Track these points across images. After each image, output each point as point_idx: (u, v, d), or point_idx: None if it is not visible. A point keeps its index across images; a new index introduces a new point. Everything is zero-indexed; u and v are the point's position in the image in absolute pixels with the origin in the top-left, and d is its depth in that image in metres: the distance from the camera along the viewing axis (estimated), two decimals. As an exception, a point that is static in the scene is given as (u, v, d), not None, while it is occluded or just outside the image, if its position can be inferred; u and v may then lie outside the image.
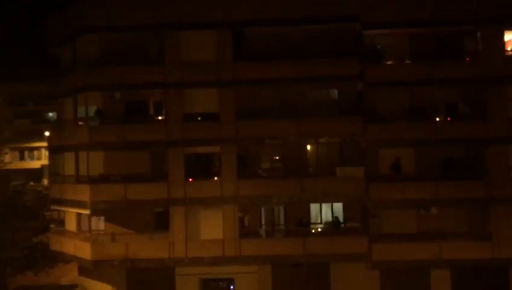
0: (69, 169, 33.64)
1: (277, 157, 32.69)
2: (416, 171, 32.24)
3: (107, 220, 33.63)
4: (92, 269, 32.90)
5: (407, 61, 31.70)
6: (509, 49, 31.44)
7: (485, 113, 31.47)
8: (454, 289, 31.95)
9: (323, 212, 32.67)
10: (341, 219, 32.16)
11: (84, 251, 32.83)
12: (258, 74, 31.44)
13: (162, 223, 32.97)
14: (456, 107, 31.73)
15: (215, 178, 32.37)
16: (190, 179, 32.22)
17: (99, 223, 33.82)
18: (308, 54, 31.59)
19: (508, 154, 31.40)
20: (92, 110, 32.78)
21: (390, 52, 32.14)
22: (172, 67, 31.70)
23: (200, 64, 31.48)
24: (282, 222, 33.20)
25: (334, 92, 32.09)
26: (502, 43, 31.39)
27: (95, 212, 32.72)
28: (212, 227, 32.24)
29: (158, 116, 32.76)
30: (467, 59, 31.61)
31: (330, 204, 32.53)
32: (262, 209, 33.09)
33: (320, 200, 32.20)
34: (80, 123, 33.17)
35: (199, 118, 32.16)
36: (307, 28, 31.47)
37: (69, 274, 35.48)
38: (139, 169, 32.88)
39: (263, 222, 33.25)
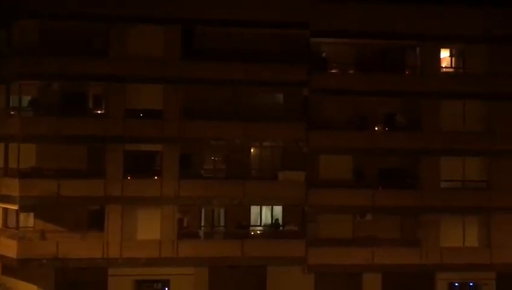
0: None
1: (221, 159, 24.56)
2: (354, 178, 27.63)
3: (37, 216, 26.49)
4: (18, 268, 25.49)
5: (351, 71, 25.01)
6: (444, 65, 25.89)
7: (420, 125, 26.65)
8: (384, 292, 26.31)
9: (264, 215, 27.58)
10: (280, 222, 25.04)
11: (9, 248, 25.43)
12: (206, 73, 25.43)
13: (96, 222, 26.21)
14: (394, 118, 27.44)
15: (156, 177, 25.99)
16: (129, 177, 25.62)
17: (28, 220, 26.53)
18: (258, 57, 26.34)
19: (439, 165, 27.35)
20: (26, 99, 23.67)
21: (336, 61, 27.66)
22: (117, 60, 24.83)
23: (146, 59, 24.93)
24: (222, 223, 27.13)
25: (281, 97, 25.17)
26: (438, 60, 27.23)
27: (24, 208, 25.57)
28: (150, 227, 25.88)
29: (97, 110, 24.50)
30: (407, 73, 25.46)
31: (270, 207, 27.19)
32: (203, 210, 26.72)
33: (261, 203, 27.11)
34: (12, 113, 23.93)
35: (141, 115, 23.60)
36: (258, 31, 26.07)
37: None
38: (75, 164, 26.19)
39: (203, 224, 26.87)
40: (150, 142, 25.83)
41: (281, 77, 25.93)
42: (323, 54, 26.78)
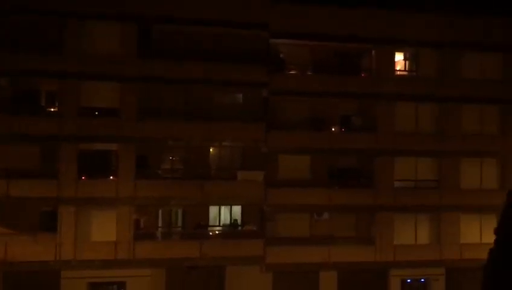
0: None
1: (179, 159, 21.50)
2: (311, 178, 25.25)
3: None
4: None
5: (309, 73, 22.54)
6: (398, 68, 23.61)
7: (375, 126, 25.04)
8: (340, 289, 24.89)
9: (222, 215, 25.21)
10: (239, 222, 22.73)
11: None
12: (164, 72, 22.55)
13: (48, 224, 23.13)
14: (350, 119, 25.80)
15: (111, 177, 23.05)
16: (83, 177, 22.75)
17: None
18: (218, 57, 23.93)
19: (392, 165, 25.50)
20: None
21: (294, 62, 25.49)
22: (71, 57, 21.67)
23: (102, 56, 21.73)
24: (180, 224, 23.64)
25: (240, 97, 22.52)
26: (392, 63, 25.57)
27: None
28: (105, 228, 23.09)
29: (51, 107, 21.07)
30: (363, 75, 23.01)
31: (229, 207, 24.57)
32: (160, 211, 22.98)
33: (220, 203, 24.95)
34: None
35: (97, 113, 20.27)
36: (218, 30, 22.24)
37: None
38: (26, 164, 22.84)
39: (160, 224, 23.38)
40: (105, 142, 23.01)
41: (240, 77, 23.54)
42: (281, 55, 24.35)
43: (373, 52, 25.29)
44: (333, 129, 25.31)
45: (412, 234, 25.50)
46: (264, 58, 23.90)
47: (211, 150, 24.70)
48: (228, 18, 23.42)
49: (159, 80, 23.10)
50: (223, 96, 24.52)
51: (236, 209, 24.80)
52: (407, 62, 26.11)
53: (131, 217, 23.08)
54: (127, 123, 22.88)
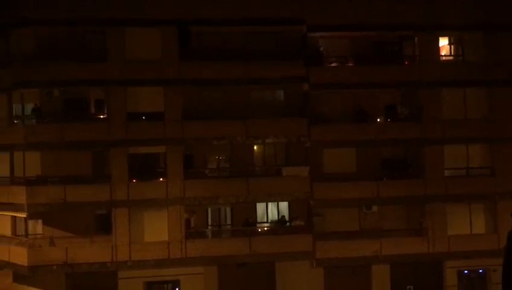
0: (3, 170, 22.33)
1: (224, 158, 21.24)
2: (358, 170, 24.19)
3: (45, 223, 23.71)
4: (29, 275, 22.77)
5: (350, 64, 21.67)
6: (443, 54, 22.36)
7: (421, 115, 23.61)
8: (393, 283, 24.12)
9: (270, 212, 24.70)
10: (287, 218, 22.20)
11: (20, 256, 22.78)
12: (205, 73, 22.50)
13: (103, 226, 23.58)
14: (395, 109, 24.51)
15: (161, 179, 23.29)
16: (134, 180, 22.94)
17: (37, 227, 23.79)
18: (256, 54, 23.54)
19: (442, 154, 24.29)
20: (29, 108, 20.56)
21: (334, 55, 24.62)
22: (115, 64, 21.68)
23: (145, 62, 21.31)
24: (228, 222, 24.38)
25: (281, 93, 21.88)
26: (437, 49, 23.80)
27: (32, 215, 22.88)
28: (157, 229, 23.15)
29: (100, 114, 21.38)
30: (406, 63, 21.88)
31: (276, 203, 24.34)
32: (209, 209, 23.55)
33: (266, 200, 24.31)
34: (16, 122, 20.81)
35: (143, 118, 20.23)
36: (254, 29, 21.46)
37: (2, 282, 22.84)
38: (79, 170, 23.54)
39: (209, 223, 23.52)
40: (153, 145, 23.08)
41: (279, 73, 23.02)
42: (321, 48, 23.50)
43: (415, 38, 24.13)
44: (378, 120, 24.35)
45: (466, 223, 24.10)
46: (302, 52, 23.29)
47: (254, 147, 24.35)
48: (264, 16, 22.96)
49: (200, 81, 22.97)
50: (263, 93, 24.09)
51: (284, 205, 24.30)
52: (452, 47, 24.73)
53: (182, 217, 23.06)
54: (172, 125, 22.86)
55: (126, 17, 22.55)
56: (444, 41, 24.70)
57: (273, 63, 23.09)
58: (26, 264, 22.23)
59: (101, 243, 22.84)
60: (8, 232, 24.13)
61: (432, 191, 23.86)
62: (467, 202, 23.98)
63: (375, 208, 24.43)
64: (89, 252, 22.56)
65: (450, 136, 23.89)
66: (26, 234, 22.95)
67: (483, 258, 23.53)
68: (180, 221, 22.97)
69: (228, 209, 24.34)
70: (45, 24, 22.22)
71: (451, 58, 24.83)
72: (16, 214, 23.25)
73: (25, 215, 22.58)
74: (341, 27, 23.57)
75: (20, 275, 23.54)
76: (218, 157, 24.15)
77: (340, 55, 24.20)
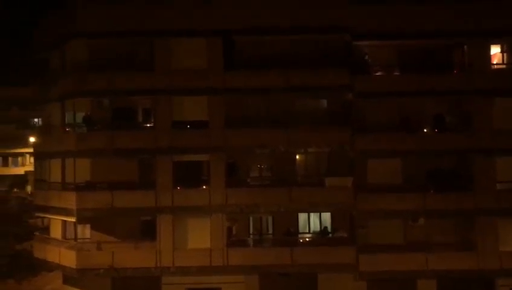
0: (55, 176, 23.25)
1: (266, 166, 20.75)
2: (403, 182, 22.95)
3: (93, 228, 24.07)
4: (77, 277, 23.17)
5: (396, 73, 20.86)
6: (494, 62, 21.59)
7: (471, 125, 22.64)
8: (441, 299, 22.17)
9: (312, 222, 23.98)
10: (329, 229, 20.80)
11: (69, 259, 23.04)
12: (248, 82, 22.42)
13: (148, 232, 23.28)
14: (443, 119, 23.42)
15: (204, 186, 23.08)
16: (178, 187, 22.86)
17: (85, 231, 24.32)
18: (299, 63, 23.06)
19: (494, 166, 22.83)
20: (80, 116, 21.10)
21: (380, 63, 23.77)
22: (162, 74, 21.48)
23: (190, 71, 21.54)
24: (270, 231, 23.36)
25: (324, 102, 21.29)
26: (488, 57, 23.05)
27: (81, 220, 23.07)
28: (200, 236, 22.74)
29: (147, 123, 21.41)
30: (455, 71, 20.61)
31: (318, 214, 23.46)
32: (251, 218, 22.75)
33: (308, 210, 23.45)
34: (67, 129, 21.28)
35: (188, 126, 20.15)
36: (297, 37, 20.37)
37: (53, 283, 24.31)
38: (126, 176, 23.72)
39: (251, 231, 22.78)
40: (197, 153, 22.87)
41: (323, 81, 22.31)
42: (366, 57, 22.60)
43: (465, 46, 22.84)
44: (425, 130, 23.14)
45: (520, 239, 22.41)
46: (346, 61, 22.53)
47: (297, 156, 23.70)
48: (308, 24, 22.40)
49: (244, 90, 22.63)
50: (306, 101, 23.45)
51: (326, 216, 23.45)
52: (504, 54, 23.21)
53: (224, 225, 22.67)
54: (216, 134, 22.62)
55: (173, 28, 22.60)
56: (495, 49, 23.23)
57: (317, 72, 22.42)
58: (74, 267, 22.53)
59: (145, 248, 22.77)
60: (58, 235, 24.60)
61: (482, 204, 22.30)
62: (521, 216, 22.27)
63: (421, 221, 23.14)
64: (134, 257, 22.54)
65: (502, 147, 22.33)
66: (76, 238, 23.34)
67: (539, 276, 21.74)
68: (222, 229, 22.58)
69: (270, 219, 23.76)
70: (97, 36, 22.64)
71: (503, 66, 23.28)
72: (66, 219, 23.61)
73: (74, 220, 22.89)
74: (386, 35, 22.63)
75: (69, 277, 23.92)
76: (260, 166, 23.66)
77: (386, 64, 23.23)
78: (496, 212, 22.31)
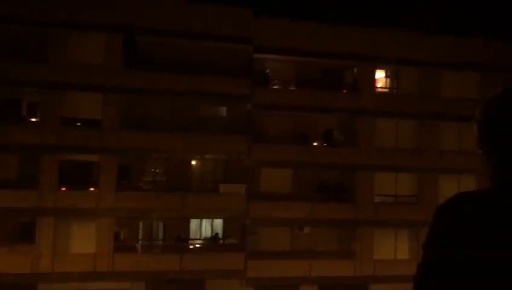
0: None
1: (161, 171, 19.44)
2: (294, 191, 22.58)
3: None
4: None
5: (293, 88, 20.58)
6: (379, 85, 21.49)
7: (356, 141, 22.37)
8: (320, 304, 21.86)
9: (203, 228, 22.02)
10: (220, 235, 19.90)
11: None
12: (148, 83, 19.75)
13: (26, 235, 20.67)
14: (332, 134, 22.62)
15: (92, 189, 19.17)
16: (63, 188, 19.82)
17: None
18: (203, 69, 21.19)
19: (373, 180, 23.72)
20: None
21: (279, 77, 23.58)
22: (54, 66, 18.67)
23: (86, 67, 18.45)
24: (160, 237, 20.30)
25: (224, 110, 20.17)
26: (374, 80, 23.90)
27: None
28: (85, 240, 20.83)
29: (32, 118, 18.62)
30: (344, 91, 20.95)
31: (211, 220, 20.99)
32: (141, 223, 19.76)
33: (201, 216, 22.26)
34: None
35: (79, 124, 18.12)
36: (203, 43, 19.36)
37: None
38: (4, 174, 18.21)
39: (140, 237, 19.80)
40: (87, 153, 20.60)
41: (224, 89, 21.46)
42: (267, 70, 22.34)
43: (355, 69, 23.69)
44: (315, 143, 23.53)
45: (392, 248, 23.63)
46: (248, 72, 22.12)
47: (193, 162, 22.71)
48: (212, 31, 21.60)
49: (143, 91, 21.11)
50: (207, 108, 22.59)
51: (218, 223, 22.72)
52: (388, 79, 24.51)
53: (111, 229, 20.86)
54: (110, 134, 20.79)
55: (70, 20, 20.40)
56: (381, 74, 24.43)
57: (218, 79, 21.68)
58: None
59: (21, 252, 20.12)
60: None
61: (362, 215, 23.18)
62: (394, 227, 23.52)
63: (307, 229, 23.44)
64: (7, 261, 19.75)
65: (380, 164, 23.45)
66: None
67: (406, 282, 23.01)
68: (109, 233, 20.73)
69: (161, 224, 22.39)
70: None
71: (386, 90, 24.57)
72: None
73: None
74: (285, 51, 22.68)
75: None
76: (155, 170, 22.26)
77: (284, 78, 23.23)
78: (372, 223, 23.30)
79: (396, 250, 23.64)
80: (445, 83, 24.16)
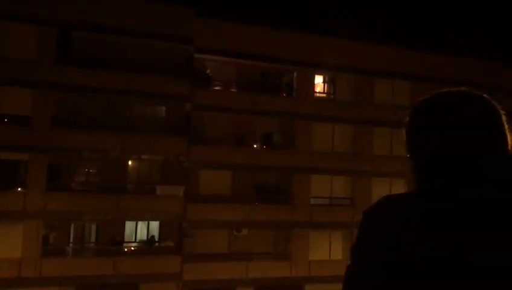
0: None
1: (95, 171, 18.29)
2: (232, 193, 21.98)
3: None
4: None
5: (233, 89, 20.04)
6: (317, 90, 21.59)
7: (294, 144, 22.30)
8: (256, 306, 21.38)
9: (139, 231, 20.63)
10: (156, 238, 19.05)
11: None
12: (82, 80, 18.44)
13: None
14: (271, 137, 22.33)
15: (19, 189, 17.44)
16: None
17: None
18: (141, 68, 19.64)
19: (309, 183, 23.63)
20: None
21: (220, 78, 22.90)
22: None
23: (15, 60, 16.88)
24: (93, 240, 18.88)
25: (162, 110, 19.28)
26: (312, 85, 23.49)
27: None
28: (9, 244, 19.04)
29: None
30: (284, 95, 20.81)
31: (147, 222, 19.54)
32: (72, 225, 18.43)
33: (137, 218, 20.96)
34: None
35: (6, 120, 16.67)
36: (142, 41, 18.44)
37: None
38: None
39: (71, 240, 18.51)
40: (14, 151, 18.82)
41: (162, 89, 20.53)
42: (208, 71, 21.66)
43: (295, 73, 23.56)
44: (255, 146, 23.14)
45: (326, 249, 23.68)
46: (188, 72, 21.33)
47: (129, 163, 21.57)
48: (152, 29, 20.63)
49: (77, 88, 19.73)
50: (144, 108, 21.55)
51: (154, 225, 21.71)
52: (325, 85, 24.60)
53: (39, 232, 19.29)
54: (39, 132, 19.23)
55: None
56: (319, 79, 24.47)
57: (157, 78, 20.70)
58: None
59: None
60: None
61: (297, 217, 23.03)
62: (328, 229, 23.59)
63: (245, 231, 22.96)
64: None
65: (317, 167, 23.46)
66: None
67: (340, 282, 23.12)
68: (37, 236, 19.14)
69: (93, 227, 21.06)
70: None
71: (324, 95, 24.64)
72: None
73: None
74: (227, 52, 22.11)
75: None
76: (88, 170, 20.90)
77: (225, 80, 22.65)
78: (308, 225, 23.23)
79: (330, 251, 23.72)
80: (379, 90, 24.63)
